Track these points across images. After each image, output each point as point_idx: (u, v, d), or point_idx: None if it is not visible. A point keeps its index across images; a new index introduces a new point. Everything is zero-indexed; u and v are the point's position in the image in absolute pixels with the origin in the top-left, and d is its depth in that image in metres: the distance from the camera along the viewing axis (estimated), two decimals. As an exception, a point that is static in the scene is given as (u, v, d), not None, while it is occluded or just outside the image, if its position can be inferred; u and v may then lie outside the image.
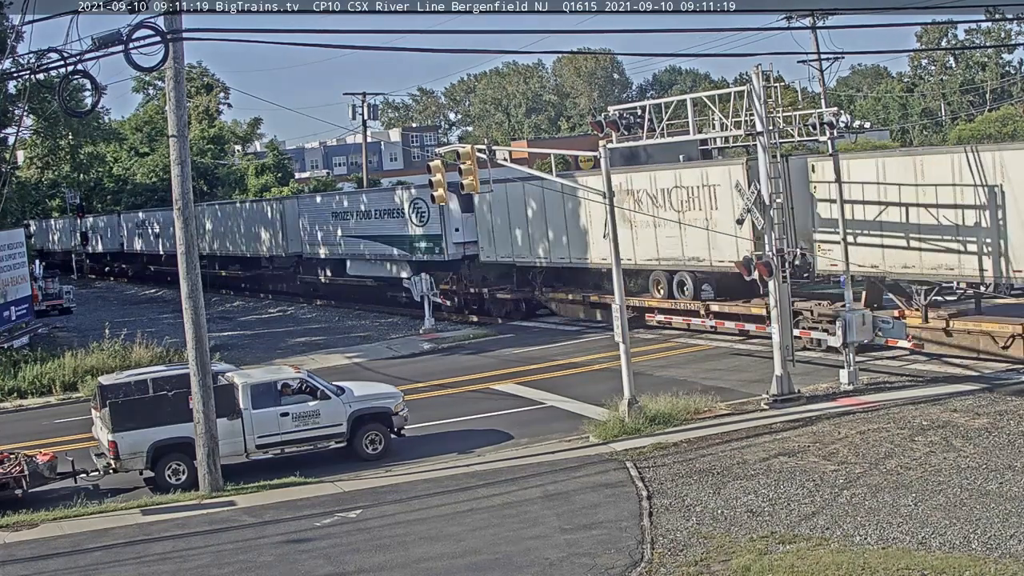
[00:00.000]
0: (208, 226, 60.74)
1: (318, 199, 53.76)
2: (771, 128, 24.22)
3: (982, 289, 27.16)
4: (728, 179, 30.54)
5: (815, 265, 28.60)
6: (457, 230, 41.83)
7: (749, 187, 25.41)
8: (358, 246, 47.63)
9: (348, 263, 49.45)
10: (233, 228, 59.29)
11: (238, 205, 61.69)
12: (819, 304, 29.27)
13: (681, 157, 34.46)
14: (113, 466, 21.41)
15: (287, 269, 55.24)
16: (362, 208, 47.65)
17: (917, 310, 27.58)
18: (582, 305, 38.63)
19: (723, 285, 32.89)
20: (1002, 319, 26.59)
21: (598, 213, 33.66)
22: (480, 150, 25.54)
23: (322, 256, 51.04)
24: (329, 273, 51.36)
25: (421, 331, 39.28)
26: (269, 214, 55.23)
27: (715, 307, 32.80)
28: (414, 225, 43.55)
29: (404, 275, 44.54)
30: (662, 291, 34.38)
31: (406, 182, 55.29)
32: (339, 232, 48.91)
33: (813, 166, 29.25)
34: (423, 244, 43.32)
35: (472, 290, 42.78)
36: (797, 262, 24.58)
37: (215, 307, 52.44)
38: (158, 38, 18.69)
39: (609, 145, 24.84)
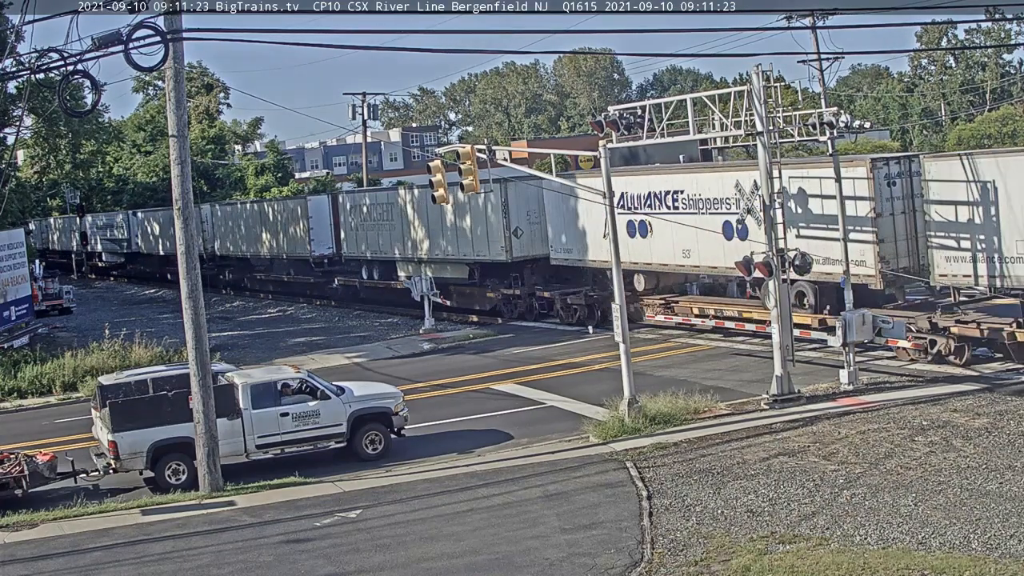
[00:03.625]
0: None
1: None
2: (771, 128, 24.23)
3: None
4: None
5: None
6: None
7: (749, 188, 25.41)
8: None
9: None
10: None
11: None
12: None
13: (681, 157, 34.41)
14: (113, 466, 21.41)
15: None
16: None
17: None
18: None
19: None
20: None
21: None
22: (480, 150, 25.54)
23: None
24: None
25: (421, 331, 39.28)
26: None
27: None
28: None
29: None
30: None
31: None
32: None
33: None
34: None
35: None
36: (797, 262, 24.58)
37: (215, 307, 52.46)
38: (158, 38, 18.66)
39: (609, 145, 24.84)
